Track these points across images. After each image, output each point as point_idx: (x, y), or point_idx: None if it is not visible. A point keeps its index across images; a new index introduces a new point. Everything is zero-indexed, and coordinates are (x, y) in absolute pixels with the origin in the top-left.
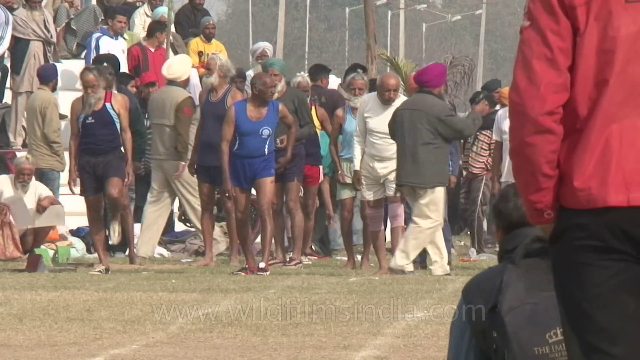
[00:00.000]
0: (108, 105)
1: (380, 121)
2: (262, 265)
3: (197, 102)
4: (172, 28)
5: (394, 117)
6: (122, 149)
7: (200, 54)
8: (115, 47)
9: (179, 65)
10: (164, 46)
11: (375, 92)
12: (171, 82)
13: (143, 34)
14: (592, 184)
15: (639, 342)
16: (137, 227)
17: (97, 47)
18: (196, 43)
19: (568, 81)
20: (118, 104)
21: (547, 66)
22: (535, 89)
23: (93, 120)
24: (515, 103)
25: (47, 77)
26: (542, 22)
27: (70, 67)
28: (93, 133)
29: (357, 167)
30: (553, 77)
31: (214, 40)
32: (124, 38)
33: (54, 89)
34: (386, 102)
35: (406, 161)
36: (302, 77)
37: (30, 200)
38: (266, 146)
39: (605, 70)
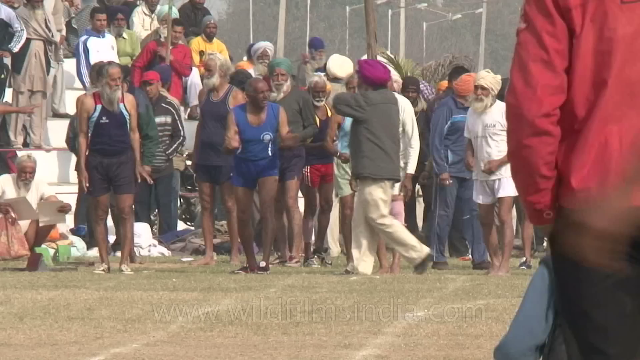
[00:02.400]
0: (122, 105)
1: None
2: (262, 264)
3: (196, 102)
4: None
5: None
6: (132, 150)
7: (201, 53)
8: (103, 44)
9: (350, 66)
10: (180, 42)
11: None
12: (335, 79)
13: (143, 32)
14: (591, 185)
15: (635, 342)
16: (137, 225)
17: (86, 50)
18: (197, 42)
19: (565, 83)
20: (130, 104)
21: (544, 68)
22: (532, 91)
23: (107, 120)
24: (512, 105)
25: (164, 79)
26: (538, 24)
27: (71, 66)
28: (108, 133)
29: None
30: (549, 79)
31: (215, 40)
32: (124, 37)
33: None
34: None
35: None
36: (319, 76)
37: (32, 199)
38: (269, 149)
39: (603, 71)
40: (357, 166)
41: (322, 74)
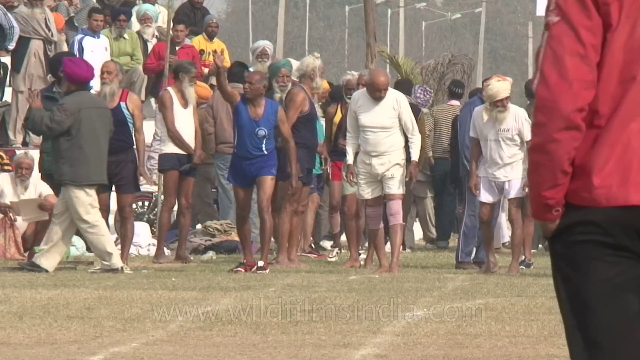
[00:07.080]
0: (123, 104)
1: (372, 116)
2: (261, 263)
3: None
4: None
5: None
6: (134, 149)
7: (201, 52)
8: (97, 45)
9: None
10: (187, 42)
11: (365, 89)
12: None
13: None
14: (613, 182)
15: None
16: (137, 225)
17: (81, 49)
18: (198, 41)
19: (596, 78)
20: (133, 104)
21: (580, 62)
22: (568, 85)
23: None
24: (545, 99)
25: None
26: (575, 18)
27: None
28: None
29: (350, 162)
30: (585, 74)
31: (215, 39)
32: (125, 37)
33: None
34: (377, 98)
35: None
36: (352, 75)
37: (31, 197)
38: (263, 146)
39: (632, 68)
40: (57, 172)
41: (355, 73)
